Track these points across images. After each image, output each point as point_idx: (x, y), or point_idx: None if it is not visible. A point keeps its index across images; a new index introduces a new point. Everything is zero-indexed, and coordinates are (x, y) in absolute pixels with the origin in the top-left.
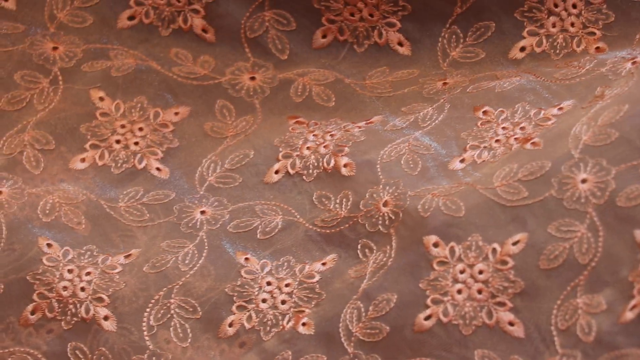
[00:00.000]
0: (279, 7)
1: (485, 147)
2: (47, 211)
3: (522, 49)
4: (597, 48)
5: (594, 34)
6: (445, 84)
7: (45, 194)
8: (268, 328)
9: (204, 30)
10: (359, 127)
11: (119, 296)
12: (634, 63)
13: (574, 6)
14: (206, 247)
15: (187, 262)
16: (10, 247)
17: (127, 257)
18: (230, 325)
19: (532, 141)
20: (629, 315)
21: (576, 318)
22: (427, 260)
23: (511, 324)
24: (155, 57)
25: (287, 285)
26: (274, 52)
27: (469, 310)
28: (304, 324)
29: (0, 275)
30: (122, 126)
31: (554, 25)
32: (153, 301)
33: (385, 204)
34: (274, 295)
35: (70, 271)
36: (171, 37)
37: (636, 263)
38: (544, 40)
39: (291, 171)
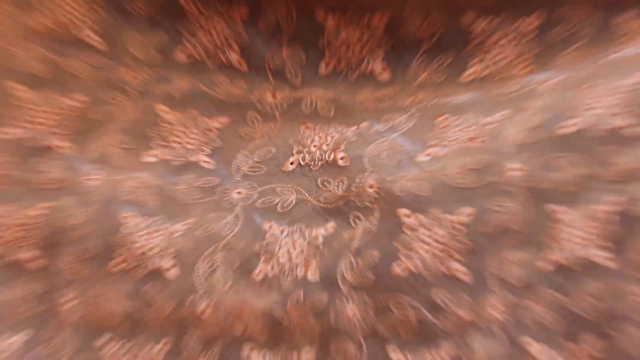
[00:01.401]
0: (294, 46)
1: (443, 145)
2: (127, 192)
3: (472, 73)
4: (528, 70)
5: (526, 60)
6: (415, 99)
7: (125, 180)
8: (285, 275)
9: (239, 63)
10: (352, 131)
11: (178, 253)
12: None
13: (509, 42)
14: (241, 218)
15: (227, 228)
16: (99, 218)
17: (185, 224)
18: (259, 273)
19: (478, 140)
20: (549, 267)
21: (507, 268)
22: (400, 227)
23: (462, 273)
24: (203, 82)
25: (299, 245)
26: (289, 78)
27: (432, 263)
28: (311, 273)
29: (92, 239)
30: (180, 131)
31: (495, 56)
32: (203, 256)
33: (370, 187)
34: (290, 252)
35: (142, 236)
36: (215, 67)
37: (547, 228)
38: (488, 67)
39: (302, 162)
